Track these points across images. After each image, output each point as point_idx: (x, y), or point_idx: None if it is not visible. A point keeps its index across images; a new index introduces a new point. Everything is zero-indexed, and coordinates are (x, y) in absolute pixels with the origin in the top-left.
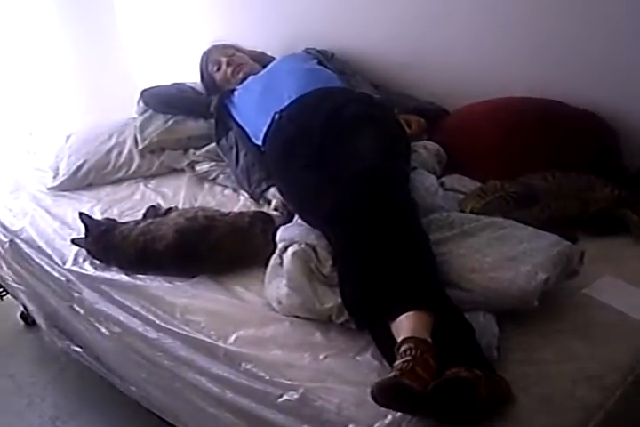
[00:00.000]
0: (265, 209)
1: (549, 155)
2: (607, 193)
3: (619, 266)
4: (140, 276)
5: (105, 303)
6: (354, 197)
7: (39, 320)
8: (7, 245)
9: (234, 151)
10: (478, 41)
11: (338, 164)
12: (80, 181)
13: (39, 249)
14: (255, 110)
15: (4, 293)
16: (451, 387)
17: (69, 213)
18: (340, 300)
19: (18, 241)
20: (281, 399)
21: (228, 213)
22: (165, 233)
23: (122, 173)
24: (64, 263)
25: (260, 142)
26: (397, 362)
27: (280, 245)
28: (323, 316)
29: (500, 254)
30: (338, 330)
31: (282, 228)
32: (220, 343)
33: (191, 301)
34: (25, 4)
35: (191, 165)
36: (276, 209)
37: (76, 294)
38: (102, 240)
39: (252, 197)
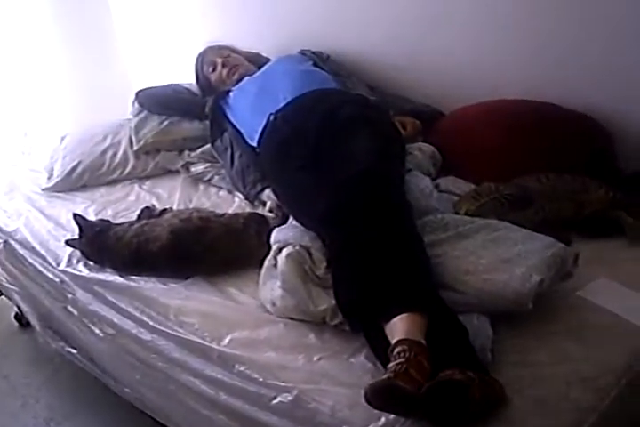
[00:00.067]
0: (260, 210)
1: (544, 157)
2: (602, 195)
3: (613, 268)
4: (134, 277)
5: (99, 305)
6: (349, 199)
7: (33, 321)
8: (1, 246)
9: (229, 152)
10: (477, 42)
11: (333, 165)
12: (74, 181)
13: (33, 250)
14: (250, 111)
15: None
16: (444, 389)
17: (64, 214)
18: (334, 302)
19: (12, 242)
20: (275, 401)
21: (223, 215)
22: (160, 234)
23: (116, 174)
24: (58, 264)
25: (255, 144)
26: (391, 364)
27: (274, 247)
28: (317, 318)
29: (495, 256)
30: (332, 332)
31: (276, 229)
32: (214, 345)
33: (185, 302)
34: (20, 4)
35: (186, 167)
36: (270, 211)
37: (69, 296)
38: (96, 241)
39: (246, 199)
